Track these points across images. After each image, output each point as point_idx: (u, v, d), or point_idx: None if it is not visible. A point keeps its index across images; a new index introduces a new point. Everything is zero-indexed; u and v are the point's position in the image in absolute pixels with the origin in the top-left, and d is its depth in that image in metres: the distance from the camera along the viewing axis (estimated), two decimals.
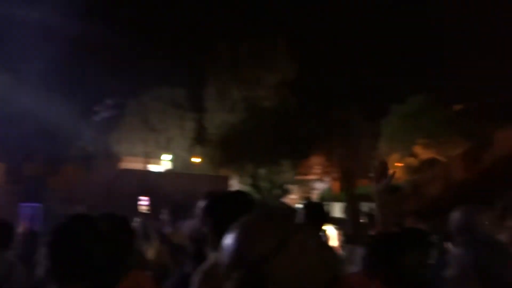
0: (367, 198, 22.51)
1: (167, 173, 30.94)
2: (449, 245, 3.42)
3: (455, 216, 3.16)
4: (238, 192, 2.72)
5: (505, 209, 11.93)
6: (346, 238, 9.33)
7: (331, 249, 1.09)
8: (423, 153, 34.24)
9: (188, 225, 3.67)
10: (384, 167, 3.35)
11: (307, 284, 1.04)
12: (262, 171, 31.79)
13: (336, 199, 27.89)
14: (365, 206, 21.18)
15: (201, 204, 2.65)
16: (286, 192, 31.78)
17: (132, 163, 29.52)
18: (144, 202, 21.43)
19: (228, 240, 1.17)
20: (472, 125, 30.70)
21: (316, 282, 1.05)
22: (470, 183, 23.37)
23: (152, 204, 20.21)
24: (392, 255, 2.16)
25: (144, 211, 18.85)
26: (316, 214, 4.03)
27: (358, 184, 27.18)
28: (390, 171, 3.51)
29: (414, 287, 2.11)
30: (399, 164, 37.58)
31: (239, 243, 1.11)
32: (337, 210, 23.43)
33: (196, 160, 34.92)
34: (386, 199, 3.35)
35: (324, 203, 23.12)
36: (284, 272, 1.03)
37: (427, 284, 2.24)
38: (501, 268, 2.06)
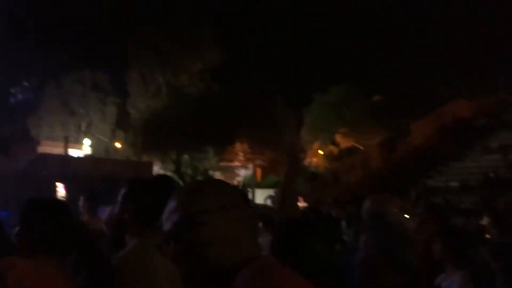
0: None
1: (87, 158, 30.06)
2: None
3: (367, 204, 3.22)
4: (161, 178, 2.62)
5: (417, 197, 12.41)
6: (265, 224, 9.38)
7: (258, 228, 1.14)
8: (344, 141, 35.20)
9: (107, 212, 3.53)
10: (293, 150, 3.36)
11: (235, 248, 1.14)
12: (185, 158, 31.57)
13: (259, 185, 28.12)
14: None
15: (123, 190, 2.51)
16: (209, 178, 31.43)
17: (51, 148, 28.37)
18: (61, 189, 20.66)
19: (172, 202, 1.23)
20: (390, 116, 31.86)
21: (243, 251, 1.16)
22: (387, 171, 24.24)
23: (70, 190, 19.53)
24: (299, 242, 2.15)
25: (61, 198, 18.12)
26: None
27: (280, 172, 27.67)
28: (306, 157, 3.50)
29: (322, 272, 2.12)
30: (321, 152, 38.47)
31: (184, 199, 1.20)
32: (259, 196, 23.63)
33: (118, 145, 34.27)
34: (291, 181, 3.36)
35: (248, 189, 23.16)
36: (218, 228, 1.14)
37: (335, 269, 2.30)
38: (401, 251, 2.15)
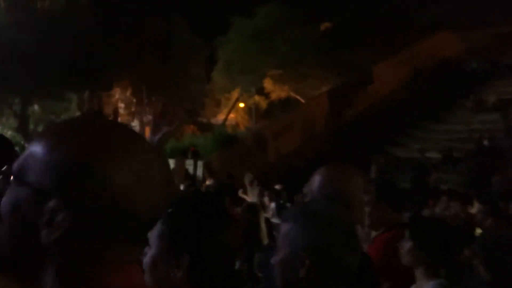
0: (194, 153, 22.80)
1: None
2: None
3: (316, 180, 3.22)
4: None
5: (379, 173, 12.85)
6: None
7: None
8: (275, 90, 35.39)
9: None
10: (165, 114, 3.25)
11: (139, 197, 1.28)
12: (34, 109, 30.83)
13: None
14: (189, 165, 21.52)
15: None
16: None
17: None
18: None
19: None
20: (343, 54, 32.24)
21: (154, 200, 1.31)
22: (337, 134, 24.63)
23: None
24: (192, 237, 2.24)
25: None
26: None
27: (185, 132, 27.53)
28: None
29: (219, 276, 2.25)
30: (242, 105, 38.63)
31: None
32: None
33: None
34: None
35: None
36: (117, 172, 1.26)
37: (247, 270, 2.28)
38: (340, 249, 2.27)
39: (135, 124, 32.19)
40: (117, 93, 31.60)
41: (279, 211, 12.47)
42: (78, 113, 31.41)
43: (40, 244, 1.23)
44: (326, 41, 33.51)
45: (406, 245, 3.72)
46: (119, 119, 32.96)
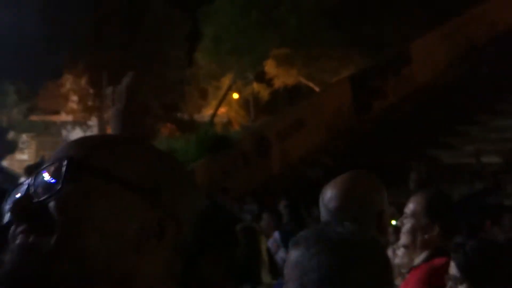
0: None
1: None
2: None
3: (329, 192, 3.40)
4: None
5: (419, 183, 12.92)
6: None
7: None
8: (281, 74, 35.59)
9: None
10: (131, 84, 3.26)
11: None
12: None
13: None
14: None
15: None
16: (11, 147, 31.41)
17: None
18: None
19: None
20: (369, 24, 32.39)
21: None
22: (363, 133, 24.76)
23: None
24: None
25: None
26: None
27: (160, 133, 27.51)
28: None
29: None
30: (236, 96, 38.80)
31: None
32: None
33: None
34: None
35: None
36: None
37: None
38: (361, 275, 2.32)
39: (93, 123, 32.41)
40: (68, 82, 31.81)
41: (286, 241, 11.71)
42: (17, 111, 31.64)
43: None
44: (345, 9, 33.55)
45: (451, 271, 3.82)
46: (70, 117, 33.25)
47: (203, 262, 2.66)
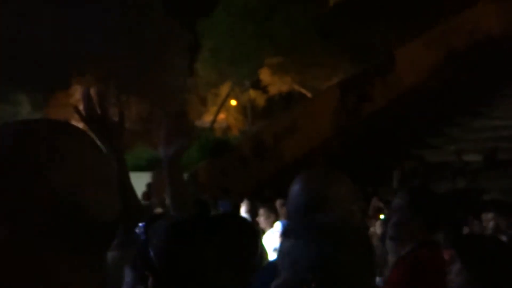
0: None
1: None
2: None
3: (295, 188, 3.32)
4: None
5: (402, 181, 13.00)
6: None
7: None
8: (275, 82, 35.50)
9: None
10: (181, 119, 3.30)
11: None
12: None
13: None
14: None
15: None
16: None
17: None
18: None
19: None
20: (357, 34, 32.33)
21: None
22: (352, 136, 24.76)
23: None
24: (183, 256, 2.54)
25: None
26: None
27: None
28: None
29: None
30: (234, 103, 38.72)
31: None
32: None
33: None
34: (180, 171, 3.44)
35: None
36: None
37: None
38: (348, 262, 2.28)
39: None
40: (77, 92, 31.69)
41: (285, 233, 11.51)
42: (32, 114, 31.51)
43: None
44: (335, 20, 33.60)
45: (455, 266, 3.73)
46: (78, 123, 33.15)
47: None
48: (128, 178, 3.38)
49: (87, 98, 3.22)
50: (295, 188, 3.30)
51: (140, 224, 2.59)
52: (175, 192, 3.49)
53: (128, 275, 2.54)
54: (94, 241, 1.25)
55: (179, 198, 3.47)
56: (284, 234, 2.47)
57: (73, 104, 31.92)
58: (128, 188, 3.36)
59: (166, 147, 3.33)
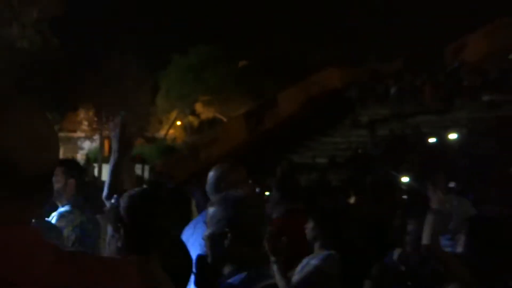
0: (141, 159, 22.57)
1: None
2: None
3: (210, 174, 3.46)
4: None
5: (282, 175, 12.68)
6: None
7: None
8: (205, 111, 35.42)
9: None
10: (124, 129, 3.34)
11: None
12: None
13: (107, 160, 27.37)
14: (138, 169, 21.29)
15: None
16: None
17: None
18: None
19: None
20: (257, 84, 32.53)
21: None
22: (251, 146, 24.82)
23: None
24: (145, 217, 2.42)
25: None
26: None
27: (135, 143, 27.15)
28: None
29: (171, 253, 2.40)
30: (179, 123, 38.44)
31: None
32: (107, 172, 23.13)
33: None
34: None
35: (94, 164, 22.36)
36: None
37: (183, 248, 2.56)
38: (251, 225, 2.37)
39: (96, 138, 31.54)
40: (81, 113, 30.96)
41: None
42: None
43: None
44: (243, 74, 33.95)
45: (309, 225, 3.86)
46: (82, 134, 32.40)
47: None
48: (121, 169, 3.44)
49: (122, 125, 3.31)
50: (211, 174, 3.45)
51: (115, 196, 2.63)
52: (114, 176, 3.47)
53: (109, 229, 2.45)
54: (25, 190, 1.04)
55: (115, 180, 3.45)
56: (211, 203, 2.49)
57: (79, 120, 31.30)
58: (120, 175, 3.44)
59: (116, 144, 3.37)
